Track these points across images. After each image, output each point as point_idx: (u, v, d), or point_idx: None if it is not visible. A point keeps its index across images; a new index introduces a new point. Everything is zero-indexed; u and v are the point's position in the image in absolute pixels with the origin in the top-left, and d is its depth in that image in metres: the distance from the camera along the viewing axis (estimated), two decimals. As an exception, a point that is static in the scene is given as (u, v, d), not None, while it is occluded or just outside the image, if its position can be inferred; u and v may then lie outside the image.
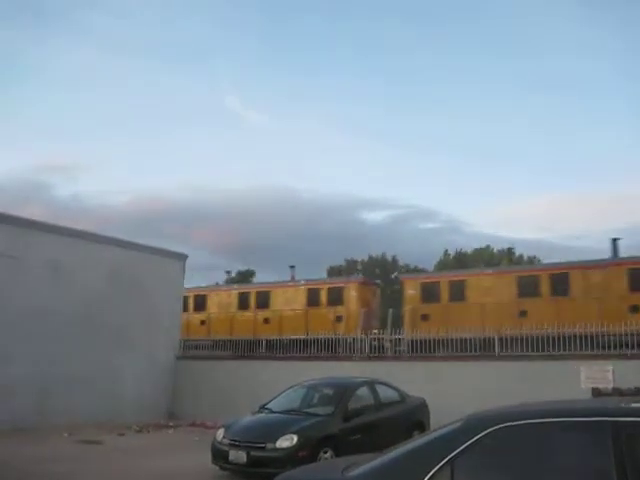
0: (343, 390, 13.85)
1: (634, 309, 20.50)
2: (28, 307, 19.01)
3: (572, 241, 67.52)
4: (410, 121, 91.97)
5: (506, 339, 19.36)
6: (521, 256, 56.62)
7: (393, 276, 53.79)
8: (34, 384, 18.66)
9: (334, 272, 51.99)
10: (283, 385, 15.07)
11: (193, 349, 25.56)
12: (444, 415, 7.05)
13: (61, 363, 19.56)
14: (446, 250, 56.25)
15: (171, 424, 20.94)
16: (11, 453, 13.80)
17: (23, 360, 18.60)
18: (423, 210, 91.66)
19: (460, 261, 52.45)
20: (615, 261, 23.00)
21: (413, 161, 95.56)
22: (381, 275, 52.80)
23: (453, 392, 17.58)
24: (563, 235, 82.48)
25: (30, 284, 19.34)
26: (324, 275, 51.68)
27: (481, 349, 19.72)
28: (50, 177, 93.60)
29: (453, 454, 4.52)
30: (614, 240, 24.38)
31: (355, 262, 57.69)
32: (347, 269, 54.34)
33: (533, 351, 18.60)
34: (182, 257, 25.49)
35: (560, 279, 22.59)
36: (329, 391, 14.26)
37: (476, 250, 56.70)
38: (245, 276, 54.35)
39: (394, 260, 57.15)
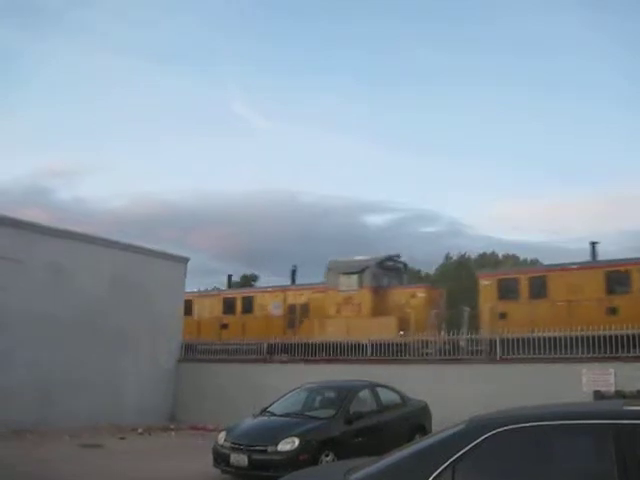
0: (345, 393, 13.84)
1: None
2: (30, 310, 18.98)
3: (575, 243, 67.32)
4: (412, 124, 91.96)
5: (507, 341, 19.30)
6: (525, 259, 56.54)
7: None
8: (35, 387, 18.63)
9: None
10: (286, 388, 15.05)
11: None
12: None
13: (62, 366, 19.53)
14: (448, 254, 56.08)
15: (172, 427, 20.94)
16: (12, 456, 13.77)
17: (24, 363, 18.57)
18: (425, 213, 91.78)
19: (463, 265, 52.23)
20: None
21: (415, 164, 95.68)
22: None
23: (454, 395, 17.52)
24: (567, 238, 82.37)
25: (32, 287, 19.31)
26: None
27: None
28: (52, 181, 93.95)
29: (455, 457, 4.51)
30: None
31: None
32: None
33: (535, 354, 18.55)
34: (184, 260, 25.49)
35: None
36: (331, 394, 14.25)
37: (480, 255, 56.48)
38: (248, 280, 54.23)
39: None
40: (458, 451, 4.54)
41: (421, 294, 25.19)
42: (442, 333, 21.54)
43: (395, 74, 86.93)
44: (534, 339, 18.80)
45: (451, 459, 4.51)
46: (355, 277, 25.67)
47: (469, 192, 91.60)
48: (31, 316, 18.96)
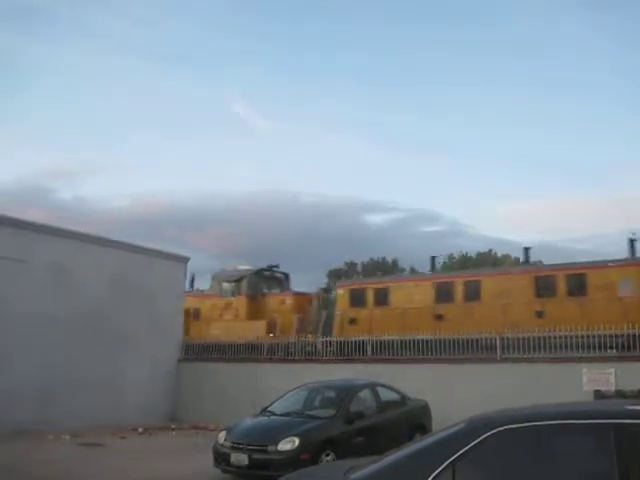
0: (345, 393, 13.86)
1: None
2: (31, 310, 18.99)
3: (575, 244, 67.28)
4: (413, 124, 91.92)
5: (508, 340, 19.29)
6: (526, 259, 56.39)
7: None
8: (36, 387, 18.61)
9: (334, 275, 51.86)
10: (285, 388, 15.07)
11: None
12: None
13: (63, 366, 19.52)
14: (451, 254, 55.89)
15: (173, 427, 20.92)
16: (12, 456, 13.79)
17: (25, 363, 18.55)
18: (426, 213, 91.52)
19: (465, 264, 52.06)
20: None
21: (416, 164, 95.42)
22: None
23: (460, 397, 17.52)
24: (567, 238, 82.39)
25: (33, 287, 19.31)
26: (324, 278, 51.69)
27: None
28: (53, 181, 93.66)
29: (455, 456, 4.51)
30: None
31: (355, 265, 57.60)
32: (347, 272, 54.23)
33: (535, 353, 18.54)
34: (184, 260, 25.49)
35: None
36: (331, 393, 14.27)
37: (479, 254, 56.32)
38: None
39: (394, 263, 57.01)
40: (458, 450, 4.53)
41: (289, 300, 28.31)
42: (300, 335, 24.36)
43: (396, 74, 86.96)
44: (534, 338, 18.79)
45: (451, 458, 4.51)
46: (234, 285, 29.05)
47: (470, 192, 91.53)
48: (32, 316, 18.94)
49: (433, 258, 28.68)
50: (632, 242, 23.60)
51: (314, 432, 12.16)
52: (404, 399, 14.96)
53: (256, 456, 11.70)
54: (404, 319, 23.53)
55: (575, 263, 23.24)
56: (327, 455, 11.73)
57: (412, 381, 17.17)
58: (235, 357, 23.89)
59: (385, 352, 21.03)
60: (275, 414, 13.44)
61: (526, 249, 26.09)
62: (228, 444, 12.22)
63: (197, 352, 24.91)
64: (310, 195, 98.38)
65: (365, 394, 14.12)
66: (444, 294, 24.18)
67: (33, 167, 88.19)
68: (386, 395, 14.50)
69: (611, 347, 18.10)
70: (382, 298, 25.47)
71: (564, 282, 22.14)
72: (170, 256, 24.80)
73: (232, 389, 21.77)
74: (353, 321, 25.37)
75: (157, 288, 23.25)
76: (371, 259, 58.14)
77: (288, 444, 11.63)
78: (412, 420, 14.52)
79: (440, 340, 20.29)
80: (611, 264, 22.37)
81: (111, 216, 68.76)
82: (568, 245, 57.53)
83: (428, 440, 5.21)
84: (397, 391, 15.03)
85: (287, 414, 13.24)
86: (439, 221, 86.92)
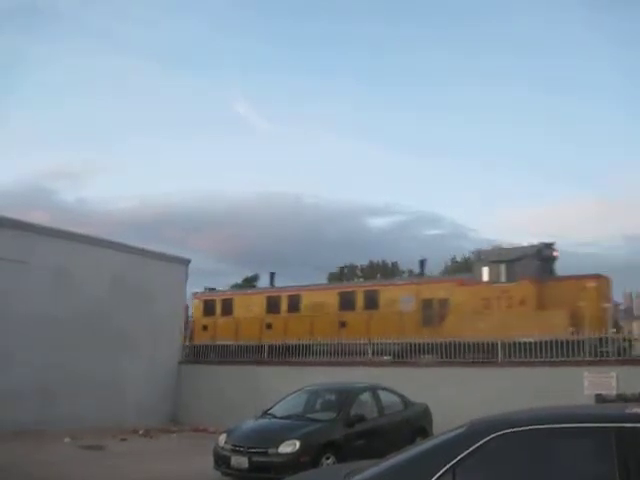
0: (345, 395, 13.87)
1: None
2: (31, 312, 19.01)
3: (578, 248, 67.18)
4: (414, 126, 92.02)
5: (509, 345, 19.29)
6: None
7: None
8: (36, 388, 18.62)
9: (334, 278, 51.84)
10: (286, 390, 15.08)
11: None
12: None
13: (64, 368, 19.52)
14: (454, 257, 55.74)
15: (174, 429, 20.95)
16: (12, 456, 13.81)
17: (26, 364, 18.55)
18: (428, 216, 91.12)
19: (467, 268, 51.81)
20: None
21: (417, 167, 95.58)
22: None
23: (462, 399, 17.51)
24: (570, 242, 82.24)
25: (34, 289, 19.33)
26: (324, 280, 51.65)
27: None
28: (55, 182, 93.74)
29: (456, 460, 4.50)
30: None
31: (355, 267, 57.54)
32: (347, 274, 54.17)
33: (535, 357, 18.60)
34: (185, 262, 25.50)
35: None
36: (331, 396, 14.27)
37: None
38: (250, 281, 54.28)
39: (394, 266, 56.92)
40: (459, 454, 4.53)
41: None
42: None
43: (396, 74, 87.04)
44: (535, 343, 18.93)
45: (452, 462, 4.50)
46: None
47: (472, 194, 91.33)
48: (33, 317, 18.98)
49: (422, 262, 28.28)
50: (421, 263, 27.82)
51: (315, 435, 12.16)
52: (405, 402, 14.93)
53: (256, 459, 11.69)
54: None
55: (373, 281, 29.22)
56: (327, 458, 11.72)
57: (411, 385, 17.06)
58: (235, 359, 24.04)
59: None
60: (276, 417, 13.43)
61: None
62: (228, 447, 12.21)
63: (197, 354, 24.98)
64: (311, 197, 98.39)
65: (366, 397, 14.10)
66: (273, 306, 28.51)
67: (34, 168, 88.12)
68: (387, 398, 14.48)
69: (388, 354, 21.77)
70: (228, 308, 29.85)
71: (363, 297, 26.23)
72: (171, 258, 24.85)
73: (232, 391, 21.78)
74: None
75: (158, 290, 23.24)
76: (371, 262, 58.08)
77: (289, 447, 11.62)
78: (413, 423, 14.48)
79: (439, 344, 20.67)
80: (397, 283, 27.31)
81: (113, 217, 68.81)
82: (571, 250, 57.41)
83: (429, 443, 5.21)
84: (398, 394, 15.00)
85: (288, 417, 13.24)
86: (441, 224, 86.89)
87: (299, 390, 14.67)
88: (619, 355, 18.11)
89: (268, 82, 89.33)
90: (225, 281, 54.81)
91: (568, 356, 18.31)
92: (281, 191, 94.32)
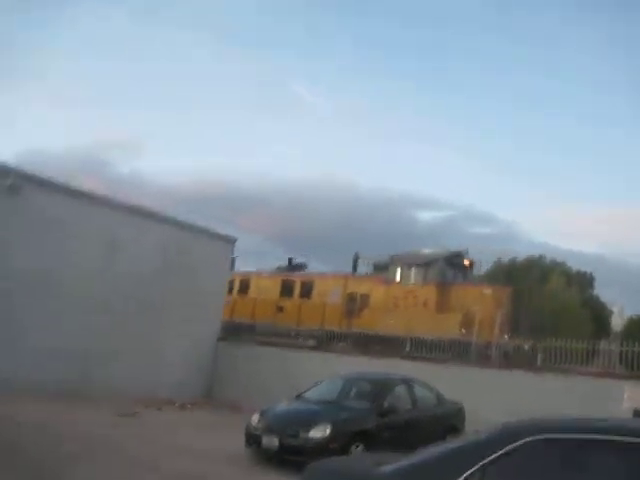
0: (381, 386, 13.98)
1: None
2: (81, 276, 19.44)
3: (628, 257, 65.72)
4: (473, 121, 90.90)
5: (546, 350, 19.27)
6: (578, 270, 55.69)
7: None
8: (79, 351, 19.06)
9: (379, 268, 51.59)
10: (321, 376, 15.25)
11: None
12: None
13: (107, 333, 19.95)
14: (499, 258, 54.91)
15: (208, 404, 21.26)
16: (48, 416, 14.18)
17: (72, 327, 19.01)
18: (478, 214, 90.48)
19: (510, 272, 50.97)
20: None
21: (472, 163, 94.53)
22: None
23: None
24: (622, 251, 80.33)
25: (84, 254, 19.69)
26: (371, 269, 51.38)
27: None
28: (109, 153, 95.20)
29: (485, 461, 4.49)
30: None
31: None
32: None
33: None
34: (232, 240, 25.62)
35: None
36: (367, 385, 14.33)
37: (527, 260, 55.18)
38: (295, 266, 54.44)
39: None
40: (489, 455, 4.52)
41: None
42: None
43: (458, 60, 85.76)
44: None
45: (481, 462, 4.50)
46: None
47: (527, 195, 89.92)
48: (82, 281, 19.41)
49: (355, 259, 29.68)
50: (355, 260, 29.57)
51: (346, 422, 12.25)
52: (439, 399, 14.92)
53: (287, 441, 11.85)
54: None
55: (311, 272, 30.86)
56: (357, 447, 11.79)
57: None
58: (274, 341, 24.24)
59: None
60: (309, 401, 13.58)
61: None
62: (261, 427, 12.39)
63: (236, 333, 25.26)
64: (364, 184, 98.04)
65: (400, 389, 14.12)
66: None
67: (90, 138, 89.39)
68: (421, 393, 14.50)
69: (312, 339, 24.22)
70: (244, 288, 30.56)
71: (300, 286, 28.86)
72: (218, 236, 24.94)
73: (268, 372, 21.97)
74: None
75: (202, 266, 23.40)
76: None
77: (320, 432, 11.75)
78: (445, 421, 14.49)
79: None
80: (330, 276, 29.23)
81: (164, 191, 69.59)
82: (622, 258, 56.27)
83: (460, 442, 5.22)
84: (433, 390, 14.99)
85: (321, 402, 13.36)
86: (491, 223, 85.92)
87: (334, 377, 14.77)
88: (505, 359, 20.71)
89: (328, 63, 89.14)
90: (270, 263, 54.97)
91: (457, 355, 20.69)
92: (332, 176, 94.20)
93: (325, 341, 24.09)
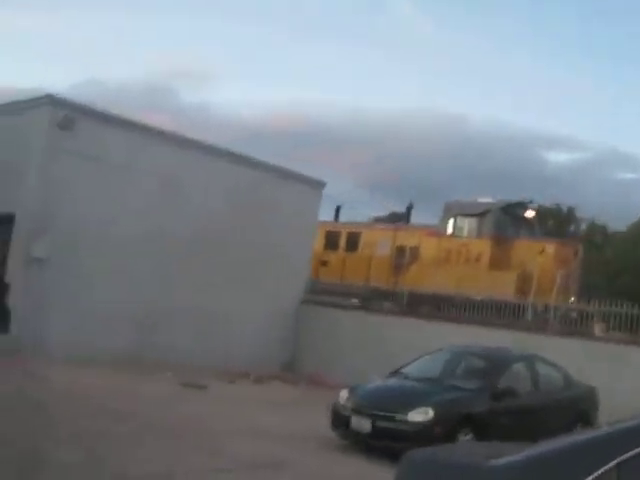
0: (495, 362, 13.85)
1: None
2: (136, 226, 19.78)
3: None
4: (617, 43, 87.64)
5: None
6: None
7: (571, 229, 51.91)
8: (137, 314, 19.51)
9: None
10: (422, 349, 15.15)
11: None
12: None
13: (169, 293, 20.35)
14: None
15: (287, 377, 21.55)
16: (104, 389, 14.55)
17: (126, 285, 19.46)
18: (622, 156, 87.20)
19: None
20: None
21: (614, 96, 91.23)
22: (555, 228, 51.21)
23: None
24: None
25: (140, 199, 20.03)
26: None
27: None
28: (175, 81, 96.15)
29: (623, 458, 4.36)
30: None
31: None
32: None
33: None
34: (319, 185, 25.65)
35: None
36: (478, 362, 14.28)
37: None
38: (398, 218, 54.22)
39: (570, 211, 54.96)
40: (628, 450, 4.38)
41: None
42: None
43: None
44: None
45: (618, 459, 4.36)
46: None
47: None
48: (138, 232, 19.71)
49: (409, 208, 31.37)
50: (408, 209, 31.51)
51: (453, 404, 12.20)
52: (568, 381, 14.65)
53: (381, 424, 11.82)
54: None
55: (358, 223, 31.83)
56: (466, 435, 11.71)
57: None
58: (366, 305, 24.27)
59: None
60: (408, 378, 13.52)
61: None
62: (349, 406, 12.41)
63: (323, 294, 25.32)
64: (477, 119, 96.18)
65: (520, 368, 13.97)
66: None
67: (153, 65, 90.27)
68: (546, 373, 14.27)
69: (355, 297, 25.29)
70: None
71: (345, 238, 29.66)
72: (304, 179, 24.97)
73: (360, 342, 22.04)
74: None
75: (285, 215, 23.54)
76: (541, 205, 56.32)
77: (420, 415, 11.68)
78: (574, 407, 14.19)
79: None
80: (378, 227, 31.06)
81: (239, 127, 69.85)
82: None
83: (592, 433, 5.09)
84: (560, 369, 14.72)
85: (423, 380, 13.29)
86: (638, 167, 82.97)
87: (439, 350, 14.66)
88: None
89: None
90: (365, 212, 54.78)
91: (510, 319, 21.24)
92: (441, 109, 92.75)
93: (368, 300, 24.96)
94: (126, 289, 19.43)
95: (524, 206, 27.88)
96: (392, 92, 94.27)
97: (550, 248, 25.57)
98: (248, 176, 22.76)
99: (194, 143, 21.86)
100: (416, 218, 31.26)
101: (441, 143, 74.74)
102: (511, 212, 27.28)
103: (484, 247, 26.09)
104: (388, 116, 77.87)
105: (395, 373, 13.94)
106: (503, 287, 23.55)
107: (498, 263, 25.71)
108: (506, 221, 26.94)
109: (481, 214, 26.52)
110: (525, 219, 27.70)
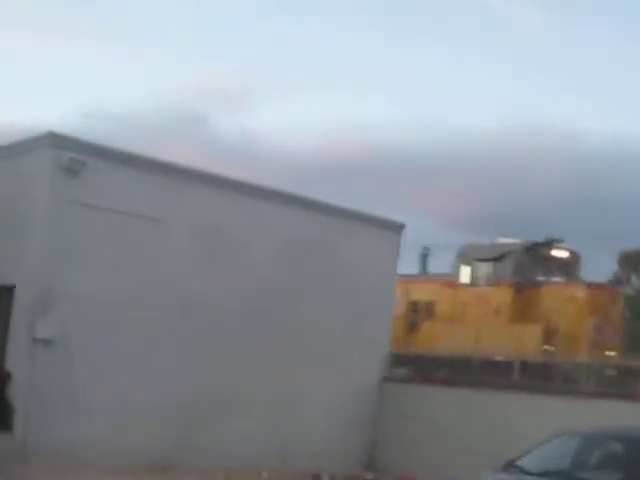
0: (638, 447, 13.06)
1: None
2: (166, 296, 19.61)
3: None
4: None
5: None
6: None
7: None
8: (176, 409, 19.37)
9: (632, 260, 49.94)
10: (542, 432, 14.59)
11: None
12: None
13: (214, 379, 20.15)
14: None
15: (369, 477, 21.22)
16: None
17: (161, 372, 19.26)
18: None
19: None
20: None
21: None
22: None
23: None
24: None
25: (171, 262, 19.87)
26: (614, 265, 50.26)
27: None
28: (205, 106, 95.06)
29: None
30: None
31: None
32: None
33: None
34: (397, 227, 25.38)
35: None
36: (617, 447, 13.49)
37: None
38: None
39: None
40: None
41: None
42: None
43: None
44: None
45: None
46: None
47: None
48: (170, 305, 19.57)
49: (424, 254, 32.07)
50: (424, 255, 31.92)
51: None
52: None
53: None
54: None
55: None
56: None
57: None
58: (469, 380, 23.56)
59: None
60: (528, 472, 12.91)
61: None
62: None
63: (410, 368, 25.09)
64: (596, 134, 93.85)
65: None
66: None
67: (179, 87, 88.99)
68: None
69: None
70: None
71: None
72: (377, 221, 24.75)
73: (459, 427, 21.73)
74: None
75: (356, 269, 23.28)
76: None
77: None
78: None
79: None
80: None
81: (289, 160, 68.71)
82: None
83: None
84: None
85: (547, 474, 12.72)
86: None
87: (562, 434, 14.02)
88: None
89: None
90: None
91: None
92: (546, 122, 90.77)
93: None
94: (153, 378, 19.19)
95: (551, 245, 28.34)
96: (487, 100, 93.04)
97: (581, 293, 26.33)
98: (308, 223, 22.65)
99: (240, 185, 21.74)
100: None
101: (547, 164, 73.15)
102: (538, 253, 28.07)
103: (504, 296, 26.92)
104: (480, 135, 76.42)
105: (510, 466, 13.37)
106: (526, 343, 24.51)
107: (520, 314, 26.53)
108: (532, 264, 27.80)
109: (499, 257, 27.38)
110: (556, 260, 28.42)
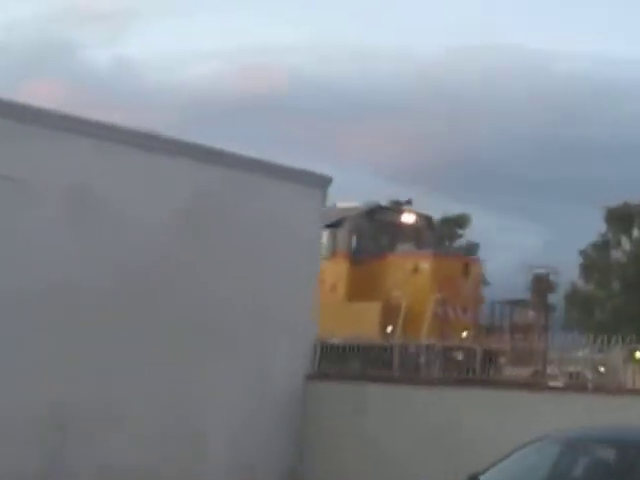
0: (633, 454, 13.15)
1: None
2: (34, 273, 19.26)
3: None
4: None
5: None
6: None
7: None
8: (43, 419, 19.09)
9: (617, 217, 50.77)
10: (506, 439, 15.04)
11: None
12: None
13: (92, 380, 19.94)
14: None
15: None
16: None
17: (25, 371, 18.89)
18: None
19: None
20: None
21: None
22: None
23: None
24: None
25: (34, 230, 19.51)
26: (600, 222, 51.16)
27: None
28: (77, 31, 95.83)
29: None
30: None
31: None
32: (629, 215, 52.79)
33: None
34: (321, 182, 25.33)
35: None
36: (608, 454, 13.68)
37: None
38: (455, 223, 54.45)
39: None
40: None
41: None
42: None
43: None
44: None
45: None
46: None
47: None
48: (38, 284, 19.17)
49: None
50: None
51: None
52: None
53: None
54: None
55: None
56: None
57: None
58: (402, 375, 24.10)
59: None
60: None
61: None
62: None
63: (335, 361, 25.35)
64: (568, 58, 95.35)
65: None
66: None
67: (47, 11, 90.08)
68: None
69: None
70: None
71: None
72: (296, 175, 24.66)
73: (399, 432, 21.85)
74: None
75: (269, 235, 23.27)
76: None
77: None
78: None
79: None
80: None
81: (182, 95, 68.65)
82: None
83: None
84: None
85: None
86: None
87: (537, 440, 14.05)
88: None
89: None
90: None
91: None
92: (509, 44, 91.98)
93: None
94: (17, 377, 18.82)
95: (395, 209, 30.20)
96: (440, 24, 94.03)
97: (425, 264, 28.31)
98: (206, 177, 22.45)
99: (118, 131, 21.49)
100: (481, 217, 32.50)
101: (507, 97, 74.32)
102: (381, 219, 29.96)
103: (339, 270, 28.79)
104: (430, 59, 77.20)
105: (473, 481, 13.86)
106: (365, 324, 26.15)
107: (359, 291, 28.27)
108: (373, 231, 29.85)
109: (335, 224, 28.76)
110: (404, 226, 30.34)
